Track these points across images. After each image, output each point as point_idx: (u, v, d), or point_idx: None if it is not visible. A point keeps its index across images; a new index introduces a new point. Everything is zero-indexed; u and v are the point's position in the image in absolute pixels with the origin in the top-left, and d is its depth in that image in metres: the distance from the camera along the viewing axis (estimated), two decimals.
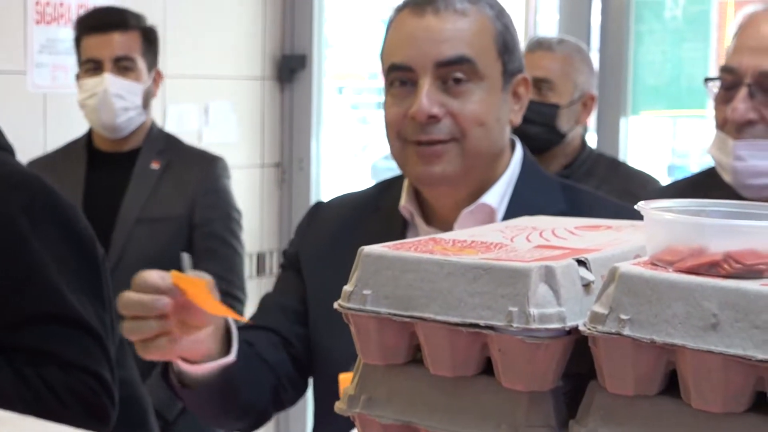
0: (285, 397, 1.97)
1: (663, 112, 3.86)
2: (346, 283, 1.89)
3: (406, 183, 1.95)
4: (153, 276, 1.55)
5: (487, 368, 0.97)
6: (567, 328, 0.91)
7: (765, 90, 2.03)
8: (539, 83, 3.15)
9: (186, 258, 1.71)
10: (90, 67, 3.28)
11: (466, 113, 1.82)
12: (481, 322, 0.92)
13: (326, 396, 2.00)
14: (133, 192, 3.26)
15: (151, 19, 3.53)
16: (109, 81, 3.22)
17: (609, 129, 3.79)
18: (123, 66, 3.27)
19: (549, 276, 0.92)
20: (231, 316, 1.61)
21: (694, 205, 0.96)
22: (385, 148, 2.04)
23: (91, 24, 3.30)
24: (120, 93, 3.23)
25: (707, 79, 2.15)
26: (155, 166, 3.29)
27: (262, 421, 1.97)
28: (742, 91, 2.03)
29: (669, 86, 3.76)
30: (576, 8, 3.81)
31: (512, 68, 1.88)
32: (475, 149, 1.83)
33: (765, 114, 2.04)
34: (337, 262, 1.95)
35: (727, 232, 0.88)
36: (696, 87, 3.72)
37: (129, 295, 1.54)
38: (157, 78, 3.39)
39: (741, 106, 2.03)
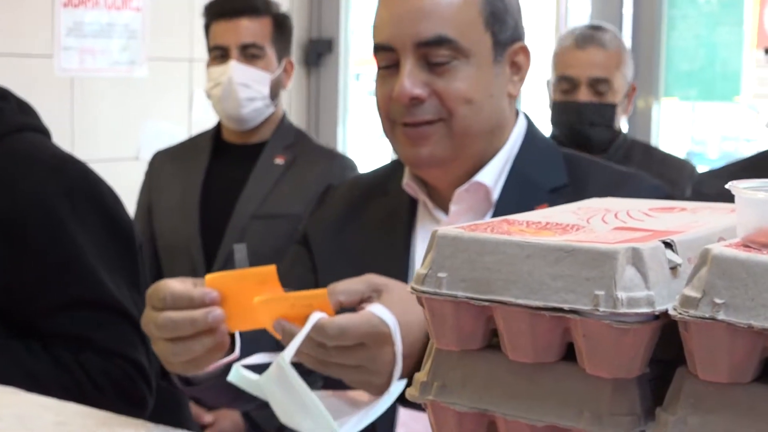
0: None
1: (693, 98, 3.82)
2: (353, 267, 1.85)
3: None
4: (184, 288, 1.38)
5: (568, 354, 0.93)
6: (656, 313, 0.88)
7: None
8: (597, 83, 3.08)
9: (240, 250, 1.65)
10: (217, 54, 3.17)
11: (452, 92, 1.74)
12: (565, 306, 0.89)
13: None
14: (252, 186, 3.15)
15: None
16: (235, 69, 3.11)
17: (641, 114, 3.76)
18: (250, 54, 3.14)
19: (636, 258, 0.88)
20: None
21: None
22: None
23: (219, 9, 3.19)
24: (246, 82, 3.11)
25: (767, 50, 2.14)
26: (280, 161, 3.16)
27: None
28: None
29: (703, 71, 3.72)
30: None
31: (505, 38, 1.80)
32: (464, 129, 1.76)
33: None
34: (344, 246, 1.91)
35: None
36: (730, 72, 3.68)
37: (169, 316, 1.37)
38: (289, 68, 3.25)
39: None
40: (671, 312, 0.86)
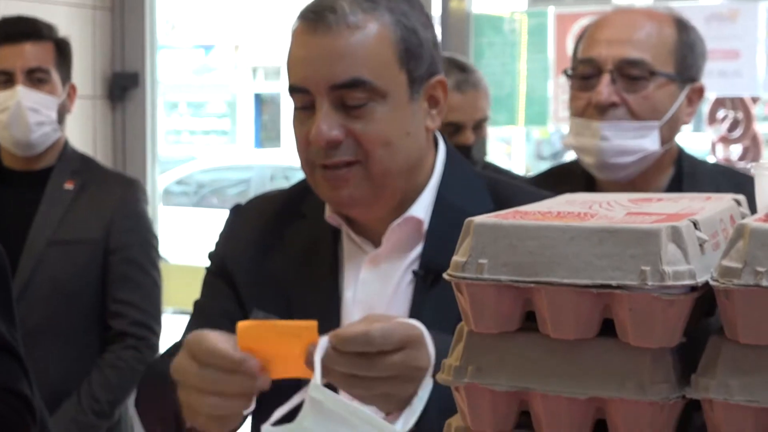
0: None
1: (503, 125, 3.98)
2: (280, 295, 1.85)
3: None
4: (227, 349, 1.37)
5: (603, 330, 1.00)
6: (697, 284, 0.95)
7: (624, 76, 2.24)
8: (479, 124, 3.11)
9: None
10: (0, 80, 3.09)
11: (369, 135, 1.73)
12: (613, 283, 0.95)
13: (264, 405, 1.96)
14: (44, 213, 3.06)
15: None
16: (23, 93, 3.02)
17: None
18: (37, 78, 3.05)
19: (676, 236, 0.96)
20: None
21: None
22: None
23: (2, 34, 3.10)
24: (34, 107, 3.02)
25: (565, 72, 2.36)
26: (69, 186, 3.09)
27: None
28: (605, 77, 2.24)
29: (509, 98, 3.88)
30: None
31: (421, 74, 1.77)
32: (382, 171, 1.75)
33: (625, 98, 2.25)
34: (268, 273, 1.89)
35: None
36: (535, 98, 3.86)
37: (217, 376, 1.38)
38: (72, 93, 3.17)
39: (605, 90, 2.24)
40: (712, 283, 0.94)
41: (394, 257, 1.83)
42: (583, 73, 2.29)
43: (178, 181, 10.56)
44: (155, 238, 3.20)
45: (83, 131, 4.27)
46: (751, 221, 0.95)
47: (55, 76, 3.12)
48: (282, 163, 11.13)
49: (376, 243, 1.83)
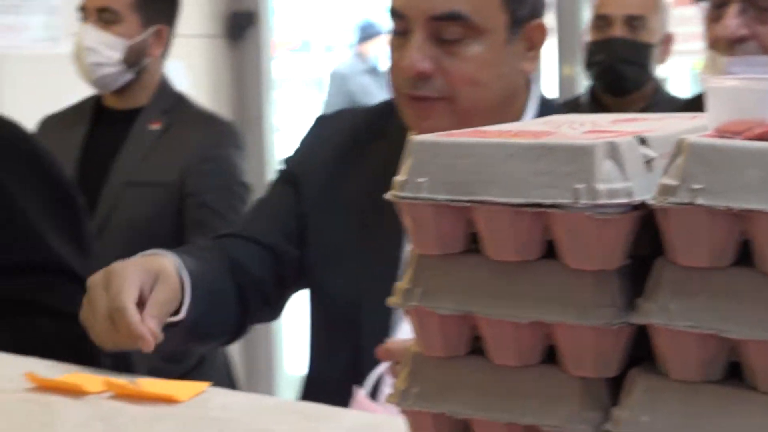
0: (261, 315, 1.92)
1: None
2: (352, 215, 1.84)
3: None
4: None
5: (548, 252, 0.95)
6: (635, 203, 0.90)
7: (755, 5, 2.00)
8: (632, 20, 3.13)
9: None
10: (81, 17, 3.15)
11: (458, 72, 1.72)
12: (546, 201, 0.91)
13: (323, 327, 1.96)
14: (126, 153, 3.09)
15: None
16: (85, 33, 3.08)
17: (566, 81, 3.80)
18: (104, 18, 3.09)
19: (613, 152, 0.91)
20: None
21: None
22: None
23: None
24: (93, 46, 3.05)
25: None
26: (155, 126, 3.09)
27: (232, 340, 1.94)
28: (734, 7, 2.00)
29: None
30: None
31: (522, 15, 1.76)
32: (467, 109, 1.74)
33: (757, 30, 2.01)
34: (340, 195, 1.90)
35: None
36: None
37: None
38: (162, 35, 3.16)
39: (732, 22, 2.00)
40: (650, 201, 0.89)
41: None
42: (715, 1, 2.05)
43: None
44: (239, 183, 3.11)
45: (205, 70, 4.32)
46: (693, 136, 0.89)
47: (130, 17, 3.09)
48: None
49: None
